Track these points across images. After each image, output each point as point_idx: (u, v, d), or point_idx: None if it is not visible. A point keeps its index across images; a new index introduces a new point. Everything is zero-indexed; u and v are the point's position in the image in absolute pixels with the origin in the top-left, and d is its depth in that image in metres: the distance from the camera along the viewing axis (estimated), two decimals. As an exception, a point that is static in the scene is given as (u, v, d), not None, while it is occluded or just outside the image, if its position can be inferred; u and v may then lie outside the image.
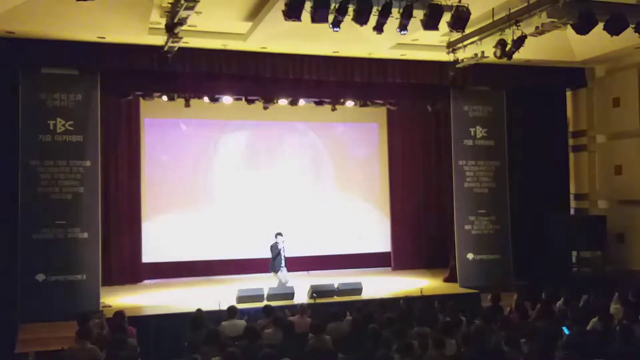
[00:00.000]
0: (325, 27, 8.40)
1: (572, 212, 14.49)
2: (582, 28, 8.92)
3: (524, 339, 6.90)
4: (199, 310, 8.95)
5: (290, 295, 11.19)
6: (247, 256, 14.11)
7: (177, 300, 11.69)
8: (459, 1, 8.56)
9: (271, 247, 11.93)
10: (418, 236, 15.78)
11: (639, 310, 8.51)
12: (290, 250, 12.28)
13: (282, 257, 11.90)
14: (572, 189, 14.52)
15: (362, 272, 14.89)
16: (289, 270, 12.30)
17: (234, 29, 10.71)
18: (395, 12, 8.40)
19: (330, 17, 8.16)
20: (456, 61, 11.21)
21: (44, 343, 9.03)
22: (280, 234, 12.04)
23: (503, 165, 13.40)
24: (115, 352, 7.05)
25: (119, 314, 8.62)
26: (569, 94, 14.53)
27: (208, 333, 7.62)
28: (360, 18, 8.23)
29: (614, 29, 9.04)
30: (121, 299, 11.87)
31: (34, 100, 10.80)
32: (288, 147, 15.37)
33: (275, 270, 11.92)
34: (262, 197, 14.92)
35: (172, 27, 9.12)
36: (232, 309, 8.84)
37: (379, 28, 8.61)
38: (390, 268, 15.70)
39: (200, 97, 13.15)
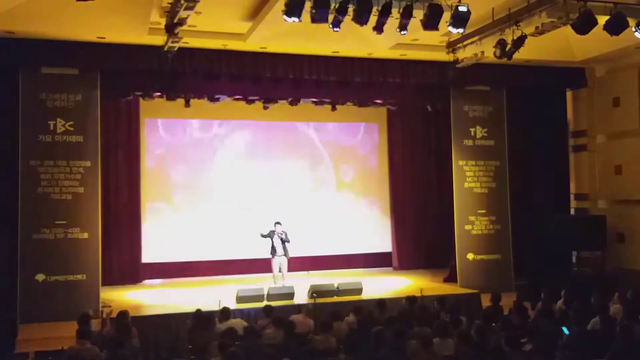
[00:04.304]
0: (325, 27, 8.41)
1: (572, 212, 14.49)
2: (582, 28, 8.92)
3: (524, 339, 6.90)
4: (198, 310, 8.95)
5: (290, 295, 11.20)
6: (247, 256, 14.11)
7: (177, 300, 11.69)
8: (459, 1, 8.56)
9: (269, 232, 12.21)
10: (419, 236, 15.78)
11: (639, 310, 8.50)
12: (291, 249, 12.32)
13: (277, 245, 12.08)
14: (572, 189, 14.52)
15: (364, 272, 14.89)
16: (289, 270, 12.37)
17: (234, 29, 10.71)
18: (395, 12, 8.40)
19: (330, 17, 8.16)
20: (456, 61, 11.21)
21: (44, 343, 9.02)
22: (278, 222, 12.23)
23: (503, 165, 13.39)
24: (116, 351, 7.04)
25: (123, 313, 8.61)
26: (569, 94, 14.53)
27: (210, 333, 7.64)
28: (360, 18, 8.23)
29: (614, 29, 9.04)
30: (121, 299, 11.86)
31: (34, 100, 10.80)
32: (288, 147, 15.36)
33: (271, 254, 12.16)
34: (262, 197, 14.91)
35: (172, 27, 9.12)
36: (225, 311, 8.84)
37: (379, 28, 8.61)
38: (391, 268, 15.71)
39: (200, 97, 13.13)
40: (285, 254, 12.18)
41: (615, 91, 13.58)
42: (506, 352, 6.63)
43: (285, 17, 8.02)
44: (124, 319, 8.42)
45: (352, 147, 15.91)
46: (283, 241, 12.14)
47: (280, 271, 12.22)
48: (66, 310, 9.93)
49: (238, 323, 8.54)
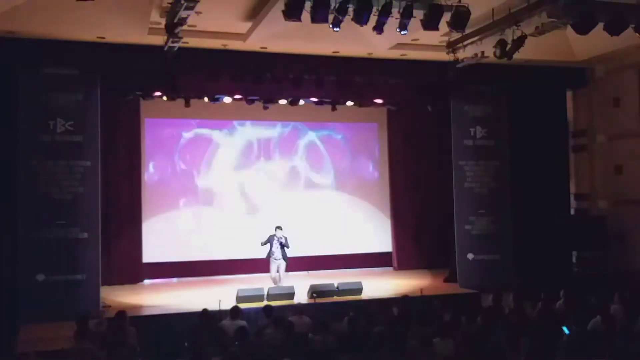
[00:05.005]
0: (325, 27, 8.41)
1: (572, 212, 14.48)
2: (582, 28, 8.93)
3: (524, 339, 6.90)
4: (204, 310, 8.95)
5: (290, 295, 11.20)
6: (247, 256, 14.09)
7: (177, 300, 11.69)
8: (459, 1, 8.56)
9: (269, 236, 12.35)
10: (419, 236, 15.77)
11: (639, 310, 8.50)
12: (291, 249, 12.36)
13: (275, 248, 12.18)
14: (572, 189, 14.52)
15: (364, 272, 14.89)
16: (288, 270, 12.41)
17: (234, 29, 10.71)
18: (395, 12, 8.40)
19: (330, 17, 8.17)
20: (456, 61, 11.20)
21: (44, 343, 9.01)
22: (279, 227, 12.30)
23: (503, 165, 13.39)
24: (114, 352, 7.05)
25: (121, 314, 8.62)
26: (569, 94, 14.53)
27: (211, 332, 7.64)
28: (360, 18, 8.23)
29: (614, 29, 9.04)
30: (121, 299, 11.86)
31: (34, 100, 10.80)
32: (288, 147, 15.37)
33: (267, 256, 12.29)
34: (261, 197, 14.91)
35: (172, 27, 9.13)
36: (235, 310, 8.85)
37: (379, 28, 8.61)
38: (392, 268, 15.71)
39: (200, 97, 13.14)
40: (284, 258, 12.24)
41: (615, 91, 13.58)
42: (506, 352, 6.63)
43: (285, 17, 8.02)
44: (122, 319, 8.42)
45: (352, 147, 15.90)
46: (282, 245, 12.19)
47: (277, 272, 12.27)
48: (66, 310, 9.90)
49: (241, 323, 8.54)
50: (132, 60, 11.10)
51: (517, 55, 9.89)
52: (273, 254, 12.23)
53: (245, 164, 15.06)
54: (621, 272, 12.81)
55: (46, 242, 10.71)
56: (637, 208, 13.03)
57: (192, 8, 8.38)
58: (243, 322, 8.55)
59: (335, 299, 11.33)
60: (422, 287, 12.12)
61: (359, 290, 11.71)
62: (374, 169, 16.10)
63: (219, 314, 9.22)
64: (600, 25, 8.93)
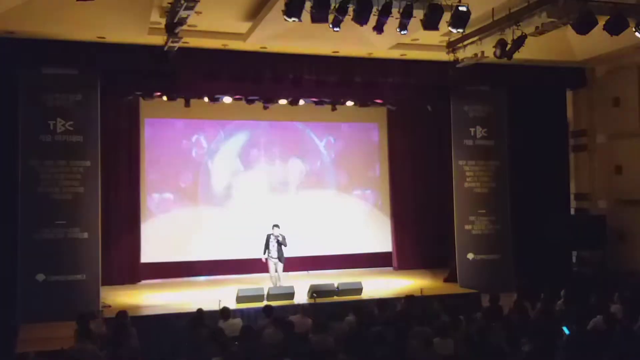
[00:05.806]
0: (325, 27, 8.41)
1: (572, 212, 14.48)
2: (582, 28, 8.93)
3: (524, 339, 6.91)
4: (199, 310, 8.95)
5: (290, 295, 11.20)
6: (247, 256, 14.07)
7: (177, 300, 11.69)
8: (459, 1, 8.56)
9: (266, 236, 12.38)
10: (419, 236, 15.75)
11: (639, 310, 8.50)
12: (291, 250, 12.35)
13: (272, 247, 12.20)
14: (572, 189, 14.53)
15: (364, 272, 14.88)
16: (288, 270, 12.39)
17: (234, 29, 10.72)
18: (395, 12, 8.41)
19: (330, 17, 8.17)
20: (456, 61, 11.20)
21: (44, 343, 9.01)
22: (276, 225, 12.32)
23: (503, 165, 13.39)
24: (115, 351, 7.05)
25: (122, 313, 8.62)
26: (569, 94, 14.54)
27: (210, 332, 7.65)
28: (360, 18, 8.23)
29: (614, 29, 9.04)
30: (121, 299, 11.86)
31: (34, 100, 10.80)
32: (288, 147, 15.37)
33: (264, 257, 12.31)
34: (261, 197, 14.92)
35: (172, 27, 9.14)
36: (225, 310, 8.87)
37: (379, 28, 8.62)
38: (392, 268, 15.70)
39: (200, 97, 13.15)
40: (279, 258, 12.22)
41: (615, 91, 13.58)
42: (506, 352, 6.64)
43: (285, 17, 8.03)
44: (123, 319, 8.43)
45: (352, 147, 15.89)
46: (279, 244, 12.18)
47: (276, 272, 12.27)
48: (66, 310, 9.88)
49: (237, 323, 8.55)
50: (132, 60, 11.09)
51: (517, 55, 9.90)
52: (270, 253, 12.25)
53: (245, 164, 15.05)
54: (621, 272, 12.80)
55: (46, 242, 10.71)
56: (637, 208, 13.03)
57: (192, 8, 8.38)
58: (237, 321, 8.57)
59: (335, 299, 11.33)
60: (422, 287, 12.13)
61: (359, 290, 11.71)
62: (373, 169, 16.09)
63: (217, 314, 9.22)
64: (600, 25, 8.93)
